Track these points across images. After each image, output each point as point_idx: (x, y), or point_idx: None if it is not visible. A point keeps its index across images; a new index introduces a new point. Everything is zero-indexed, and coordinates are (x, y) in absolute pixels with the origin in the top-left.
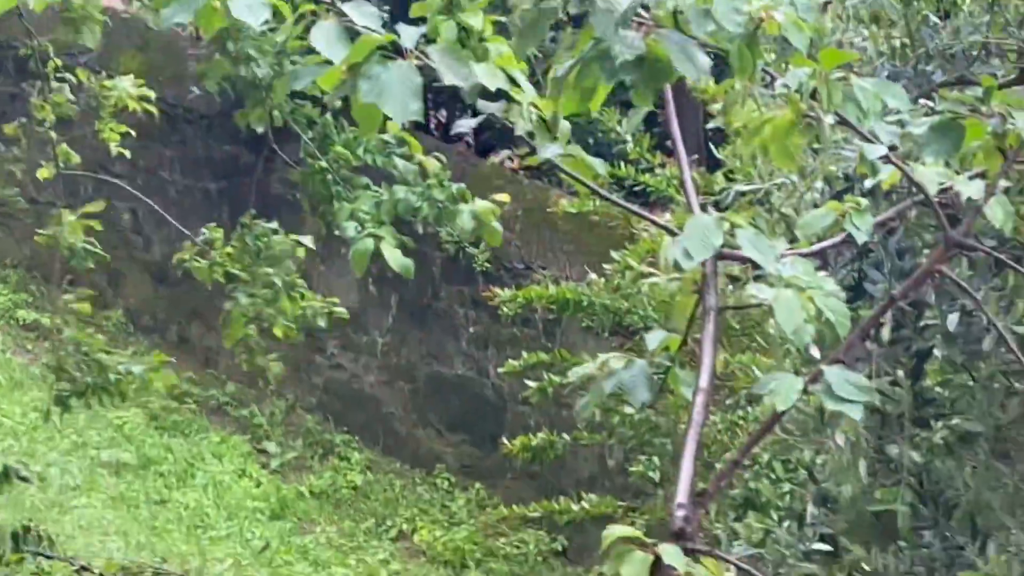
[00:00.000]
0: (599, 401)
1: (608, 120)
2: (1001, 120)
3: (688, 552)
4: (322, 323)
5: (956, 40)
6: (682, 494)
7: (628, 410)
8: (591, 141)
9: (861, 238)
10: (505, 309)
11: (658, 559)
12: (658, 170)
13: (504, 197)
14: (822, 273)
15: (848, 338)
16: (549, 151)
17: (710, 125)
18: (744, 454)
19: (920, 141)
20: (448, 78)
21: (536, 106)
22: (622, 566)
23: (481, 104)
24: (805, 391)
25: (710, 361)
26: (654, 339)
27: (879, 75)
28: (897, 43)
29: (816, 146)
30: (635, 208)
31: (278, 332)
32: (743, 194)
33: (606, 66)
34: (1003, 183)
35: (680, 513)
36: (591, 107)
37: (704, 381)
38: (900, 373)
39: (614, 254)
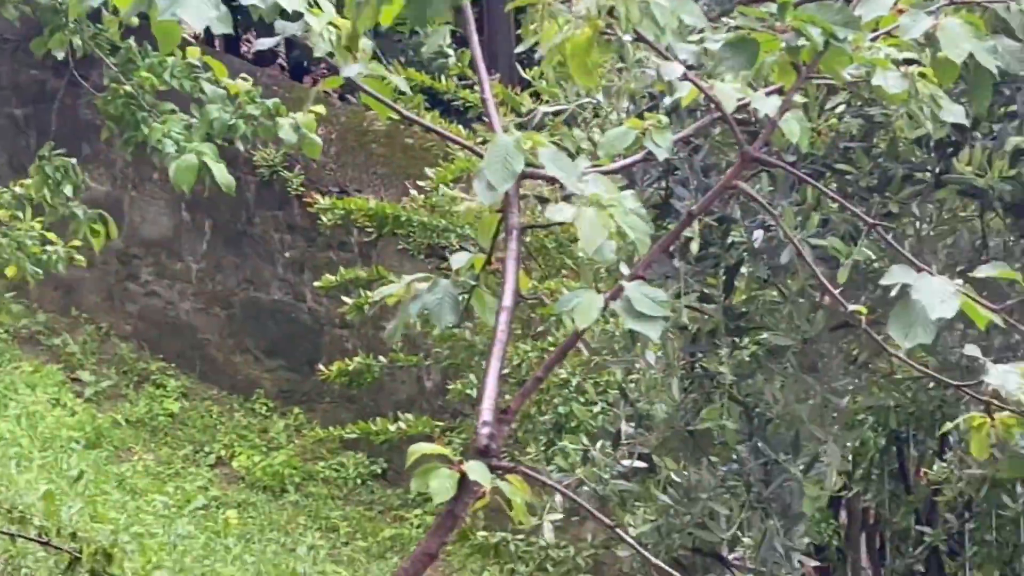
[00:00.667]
0: (406, 325)
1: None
2: (795, 35)
3: (494, 469)
4: (61, 268)
5: None
6: (486, 412)
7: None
8: (410, 56)
9: (661, 155)
10: (325, 219)
11: (464, 476)
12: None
13: (319, 108)
14: (629, 192)
15: (648, 254)
16: (349, 71)
17: (519, 47)
18: (548, 370)
19: (716, 57)
20: None
21: (335, 25)
22: (429, 483)
23: (279, 24)
24: (606, 308)
25: (513, 279)
26: (459, 259)
27: None
28: None
29: (620, 65)
30: (436, 127)
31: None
32: (554, 115)
33: None
34: (799, 98)
35: (484, 431)
36: (382, 21)
37: (507, 299)
38: (710, 290)
39: (428, 171)
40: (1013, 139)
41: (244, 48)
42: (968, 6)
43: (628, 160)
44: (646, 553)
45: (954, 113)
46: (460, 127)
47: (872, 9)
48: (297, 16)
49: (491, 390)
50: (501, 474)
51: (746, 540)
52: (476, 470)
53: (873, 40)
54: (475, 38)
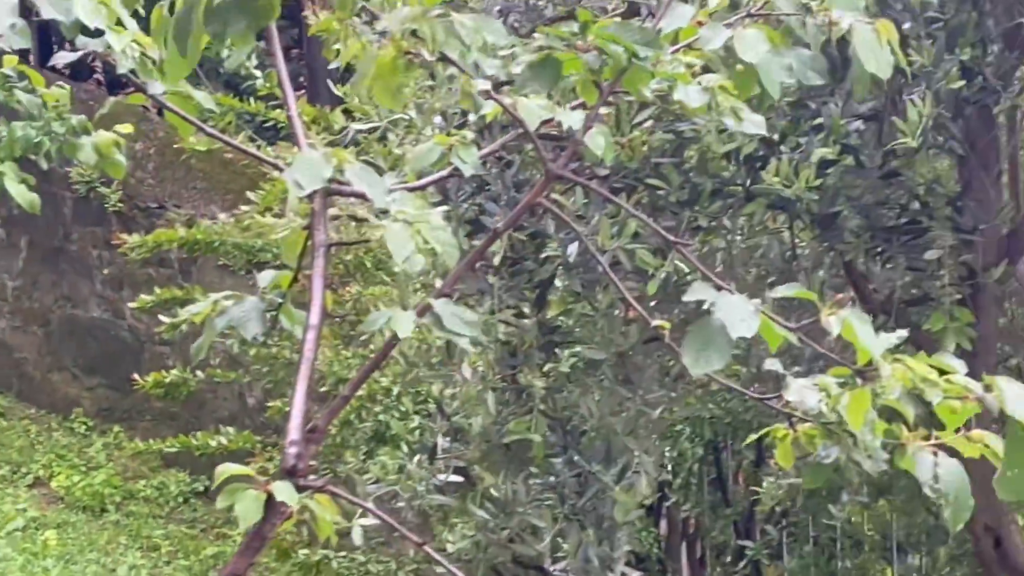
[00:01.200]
0: (212, 340)
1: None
2: (597, 54)
3: (302, 488)
4: None
5: None
6: (294, 431)
7: (264, 349)
8: (219, 75)
9: (467, 171)
10: (134, 255)
11: (271, 496)
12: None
13: (127, 128)
14: (441, 208)
15: (455, 271)
16: (153, 88)
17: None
18: (354, 388)
19: (520, 75)
20: (47, 11)
21: (139, 43)
22: (236, 504)
23: (81, 40)
24: (416, 325)
25: (319, 297)
26: (265, 278)
27: (490, 9)
28: None
29: (431, 83)
30: (239, 145)
31: None
32: (368, 132)
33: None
34: (604, 111)
35: (292, 450)
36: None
37: (314, 317)
38: (524, 306)
39: (251, 195)
40: (819, 151)
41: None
42: (766, 18)
43: (434, 176)
44: (455, 570)
45: (755, 124)
46: (269, 147)
47: (673, 21)
48: (99, 33)
49: (298, 409)
50: (310, 493)
51: (566, 550)
52: (283, 490)
53: (674, 53)
54: (280, 56)
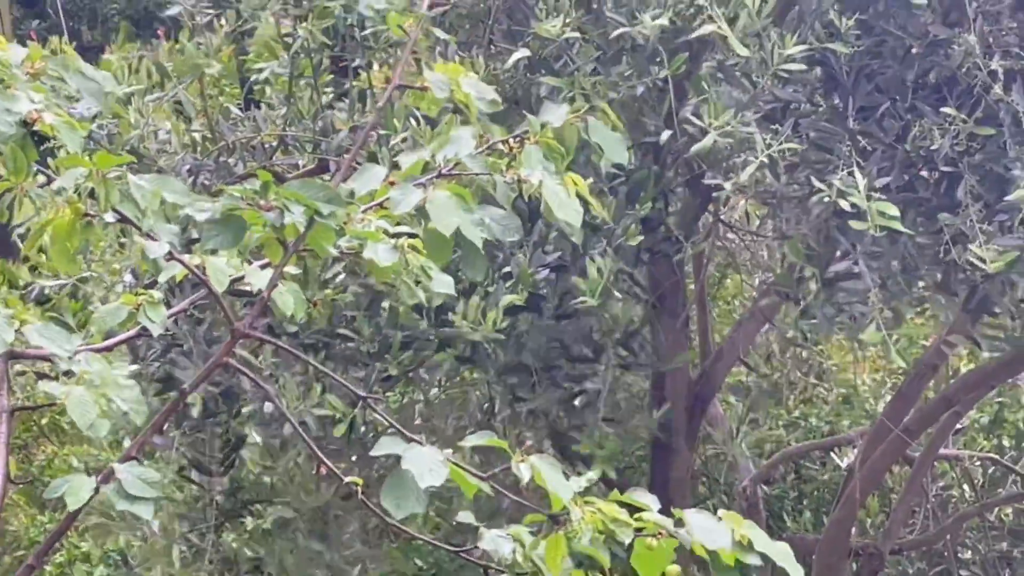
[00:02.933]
0: None
1: None
2: (279, 213)
3: None
4: None
5: (257, 133)
6: None
7: None
8: None
9: (156, 330)
10: None
11: None
12: None
13: None
14: (133, 366)
15: (142, 432)
16: None
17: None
18: (40, 558)
19: (205, 233)
20: None
21: None
22: None
23: None
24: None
25: (3, 464)
26: None
27: (180, 168)
28: (199, 136)
29: (123, 240)
30: None
31: None
32: (60, 288)
33: None
34: (292, 270)
35: None
36: None
37: None
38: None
39: None
40: (507, 297)
41: None
42: (457, 177)
43: (122, 336)
44: None
45: (443, 283)
46: None
47: (365, 182)
48: None
49: None
50: None
51: None
52: None
53: (366, 212)
54: None
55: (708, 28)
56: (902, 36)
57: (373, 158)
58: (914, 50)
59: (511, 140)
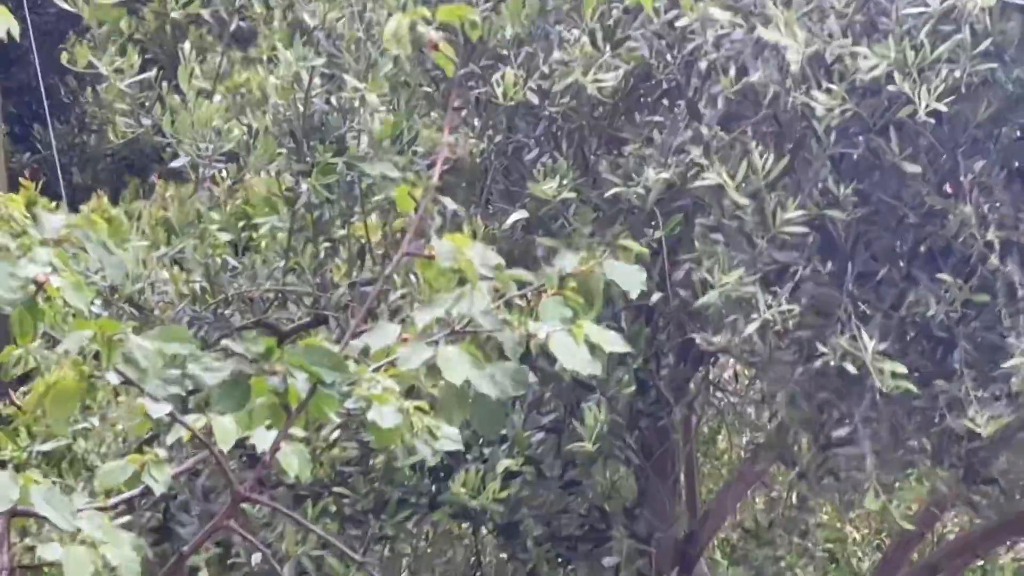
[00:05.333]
0: None
1: None
2: (282, 378)
3: None
4: None
5: (254, 285)
6: None
7: None
8: None
9: (159, 489)
10: None
11: None
12: None
13: None
14: (127, 516)
15: None
16: None
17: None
18: None
19: (212, 395)
20: None
21: None
22: None
23: None
24: None
25: None
26: None
27: (180, 319)
28: (198, 287)
29: (121, 399)
30: None
31: None
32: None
33: None
34: (299, 432)
35: None
36: None
37: None
38: None
39: None
40: (503, 461)
41: None
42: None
43: (126, 494)
44: None
45: (451, 439)
46: None
47: (379, 339)
48: None
49: None
50: None
51: None
52: None
53: (376, 371)
54: None
55: (710, 180)
56: (897, 205)
57: (373, 314)
58: (910, 219)
59: (528, 294)
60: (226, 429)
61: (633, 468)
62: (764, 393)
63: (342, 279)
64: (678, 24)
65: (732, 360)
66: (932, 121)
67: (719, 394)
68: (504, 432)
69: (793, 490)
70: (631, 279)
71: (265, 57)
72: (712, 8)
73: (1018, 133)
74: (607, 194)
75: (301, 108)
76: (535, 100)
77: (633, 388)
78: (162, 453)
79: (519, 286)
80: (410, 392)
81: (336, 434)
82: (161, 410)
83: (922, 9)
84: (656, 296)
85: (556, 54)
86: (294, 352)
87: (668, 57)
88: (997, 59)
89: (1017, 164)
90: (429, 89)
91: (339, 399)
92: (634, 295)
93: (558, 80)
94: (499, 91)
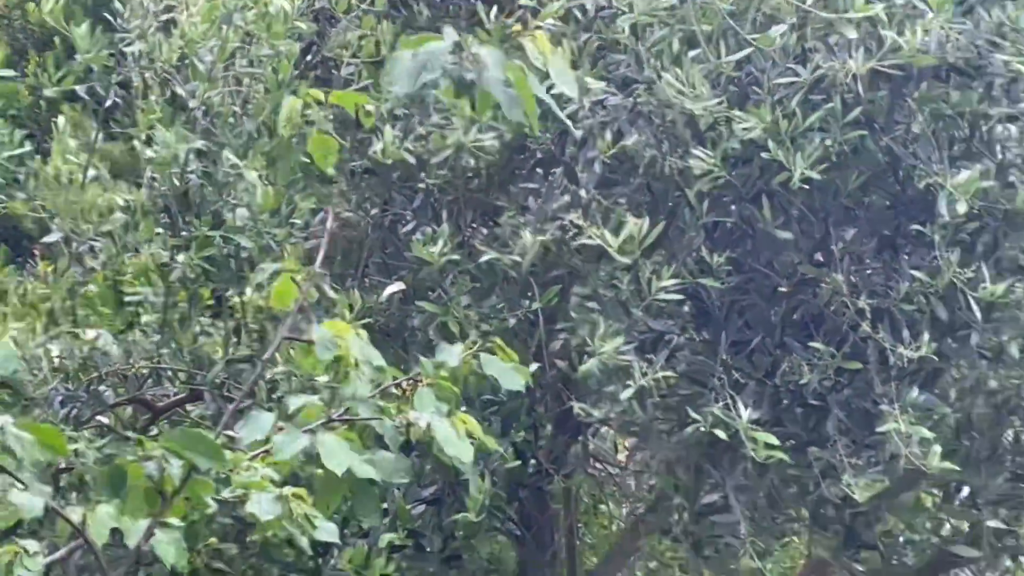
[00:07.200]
0: None
1: None
2: (158, 465)
3: None
4: None
5: (129, 362)
6: None
7: None
8: None
9: None
10: None
11: None
12: None
13: None
14: None
15: None
16: None
17: None
18: None
19: (90, 486)
20: None
21: None
22: None
23: None
24: None
25: None
26: None
27: (53, 399)
28: (70, 364)
29: None
30: None
31: None
32: None
33: None
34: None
35: None
36: None
37: None
38: None
39: None
40: (386, 535)
41: None
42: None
43: None
44: None
45: (328, 532)
46: None
47: (254, 430)
48: None
49: None
50: None
51: None
52: None
53: (253, 459)
54: None
55: (591, 240)
56: (770, 274)
57: (251, 393)
58: (782, 288)
59: (405, 383)
60: (101, 521)
61: (514, 539)
62: (644, 463)
63: (218, 355)
64: (553, 92)
65: (611, 432)
66: (805, 188)
67: (599, 464)
68: (384, 506)
69: (673, 560)
70: (509, 377)
71: (143, 135)
72: (587, 78)
73: (888, 202)
74: (482, 261)
75: (177, 183)
76: (412, 160)
77: (516, 462)
78: (34, 546)
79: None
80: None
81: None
82: (36, 505)
83: (793, 79)
84: (534, 367)
85: (434, 117)
86: (170, 437)
87: (543, 126)
88: (867, 127)
89: (887, 232)
90: (307, 161)
91: (216, 486)
92: (517, 387)
93: (436, 142)
94: (379, 149)
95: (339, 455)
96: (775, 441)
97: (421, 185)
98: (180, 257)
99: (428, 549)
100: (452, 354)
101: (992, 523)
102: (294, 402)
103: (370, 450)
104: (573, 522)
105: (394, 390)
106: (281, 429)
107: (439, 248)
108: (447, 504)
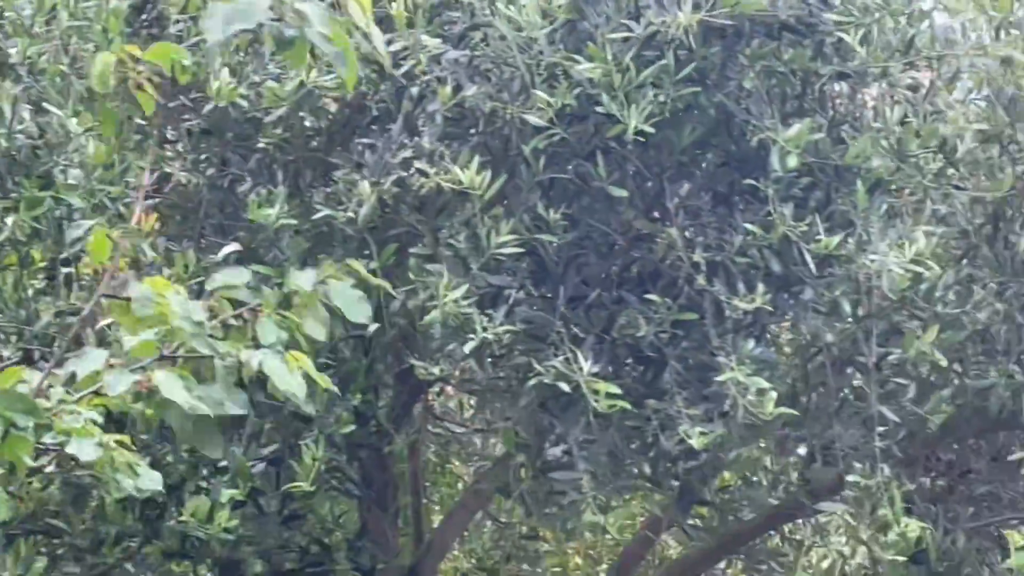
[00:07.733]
0: None
1: None
2: None
3: None
4: None
5: None
6: None
7: None
8: None
9: None
10: None
11: None
12: None
13: None
14: None
15: None
16: None
17: None
18: None
19: None
20: None
21: None
22: None
23: None
24: None
25: None
26: None
27: None
28: None
29: None
30: None
31: None
32: None
33: None
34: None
35: None
36: None
37: None
38: None
39: None
40: (227, 491)
41: None
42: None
43: None
44: None
45: (152, 480)
46: None
47: (86, 365)
48: None
49: None
50: None
51: None
52: None
53: (79, 400)
54: None
55: (444, 182)
56: (606, 230)
57: (79, 341)
58: (619, 243)
59: (245, 312)
60: None
61: (355, 500)
62: (485, 422)
63: (48, 312)
64: (391, 48)
65: (453, 391)
66: (640, 141)
67: (445, 424)
68: (225, 463)
69: (519, 518)
70: (354, 306)
71: None
72: (423, 35)
73: (722, 158)
74: (316, 217)
75: (5, 143)
76: (245, 104)
77: (353, 426)
78: None
79: (236, 305)
80: (121, 425)
81: (50, 470)
82: None
83: (626, 34)
84: (373, 327)
85: (270, 66)
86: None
87: (381, 86)
88: (701, 84)
89: (721, 188)
90: (141, 121)
91: (33, 439)
92: (361, 319)
93: (270, 99)
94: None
95: (176, 387)
96: (617, 391)
97: (258, 145)
98: (9, 219)
99: (266, 511)
100: (305, 279)
101: (851, 477)
102: (127, 340)
103: (203, 386)
104: (420, 482)
105: (233, 321)
106: (112, 367)
107: (276, 211)
108: (284, 466)
